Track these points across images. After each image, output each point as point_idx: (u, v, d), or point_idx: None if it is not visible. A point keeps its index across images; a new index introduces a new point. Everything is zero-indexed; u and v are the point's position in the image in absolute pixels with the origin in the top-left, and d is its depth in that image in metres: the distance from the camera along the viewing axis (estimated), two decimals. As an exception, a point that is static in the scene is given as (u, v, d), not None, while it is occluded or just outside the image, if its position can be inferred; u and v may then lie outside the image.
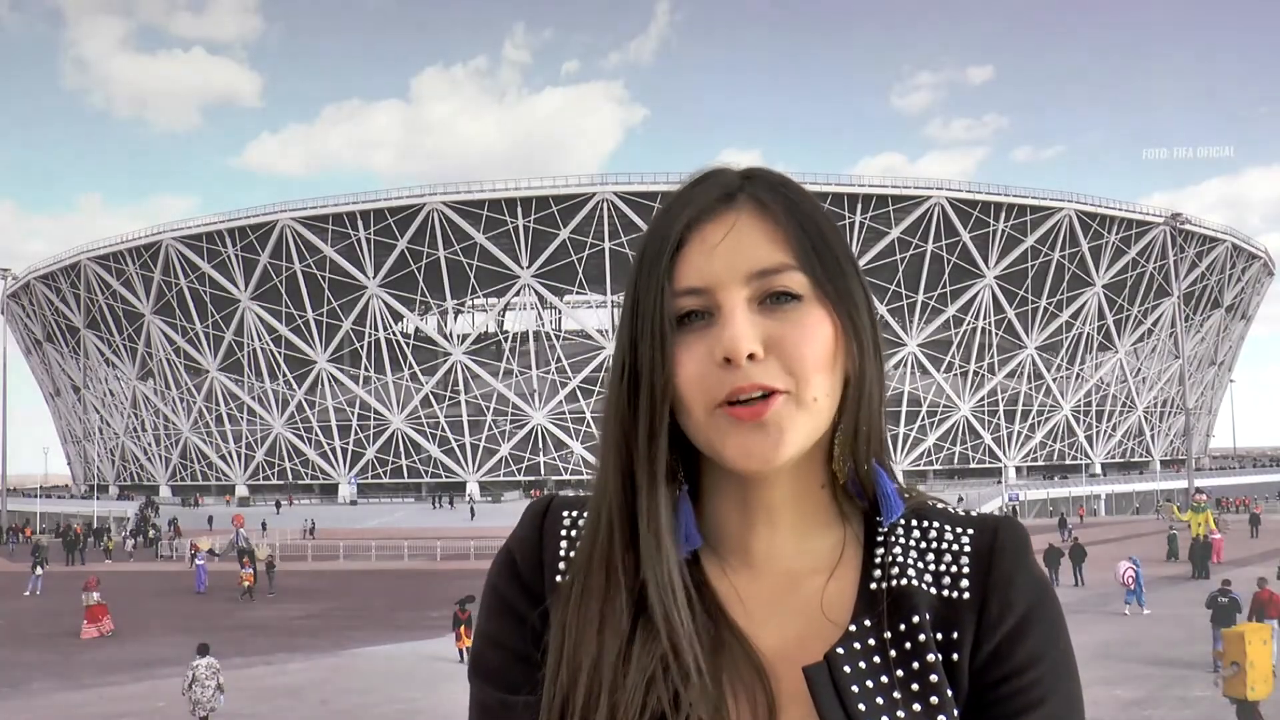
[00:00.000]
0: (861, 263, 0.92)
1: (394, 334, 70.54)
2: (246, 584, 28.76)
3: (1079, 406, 76.37)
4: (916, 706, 0.83)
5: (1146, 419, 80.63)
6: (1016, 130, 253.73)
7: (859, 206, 65.86)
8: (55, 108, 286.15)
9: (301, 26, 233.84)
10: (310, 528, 50.90)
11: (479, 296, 70.28)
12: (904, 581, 0.87)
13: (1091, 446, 77.11)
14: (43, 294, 78.97)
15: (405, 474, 71.52)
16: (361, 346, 70.48)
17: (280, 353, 70.71)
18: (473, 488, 68.71)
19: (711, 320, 0.84)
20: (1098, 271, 72.31)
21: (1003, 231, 68.58)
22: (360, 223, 67.04)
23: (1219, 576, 18.74)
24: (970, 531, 0.91)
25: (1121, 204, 72.91)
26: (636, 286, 0.86)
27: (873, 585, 0.88)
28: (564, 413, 68.79)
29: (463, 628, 17.38)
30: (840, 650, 0.84)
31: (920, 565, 0.89)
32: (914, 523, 0.92)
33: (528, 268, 66.91)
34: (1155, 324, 77.18)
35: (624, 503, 0.87)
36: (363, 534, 45.04)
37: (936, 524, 0.92)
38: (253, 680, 16.45)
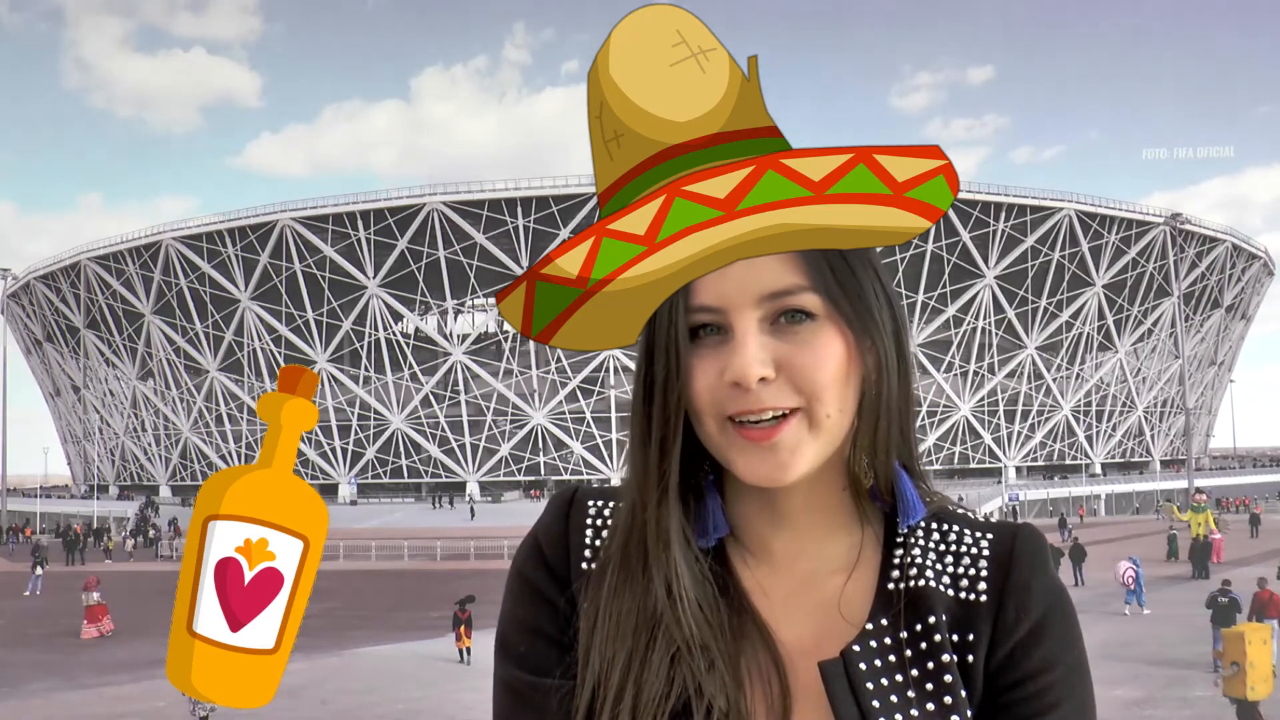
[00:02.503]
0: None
1: (394, 334, 70.51)
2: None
3: (1079, 406, 76.32)
4: (930, 706, 0.83)
5: (1146, 419, 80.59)
6: (1016, 130, 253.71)
7: (859, 207, 65.76)
8: (56, 108, 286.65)
9: (301, 26, 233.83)
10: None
11: (479, 296, 70.19)
12: (921, 583, 0.88)
13: (1091, 446, 77.06)
14: (43, 294, 78.93)
15: (405, 474, 71.48)
16: (361, 346, 70.45)
17: (280, 353, 70.65)
18: (473, 488, 68.68)
19: (725, 335, 0.84)
20: (1098, 271, 72.28)
21: (1003, 231, 68.55)
22: (360, 223, 67.00)
23: (1219, 576, 18.69)
24: (989, 536, 0.91)
25: (1121, 204, 72.80)
26: None
27: (890, 585, 0.89)
28: (564, 413, 68.77)
29: (463, 628, 17.30)
30: (856, 648, 0.85)
31: (938, 567, 0.90)
32: (933, 526, 0.93)
33: (528, 267, 66.69)
34: (1155, 324, 77.13)
35: (645, 504, 0.90)
36: (362, 534, 44.92)
37: (956, 528, 0.92)
38: (252, 680, 16.37)
